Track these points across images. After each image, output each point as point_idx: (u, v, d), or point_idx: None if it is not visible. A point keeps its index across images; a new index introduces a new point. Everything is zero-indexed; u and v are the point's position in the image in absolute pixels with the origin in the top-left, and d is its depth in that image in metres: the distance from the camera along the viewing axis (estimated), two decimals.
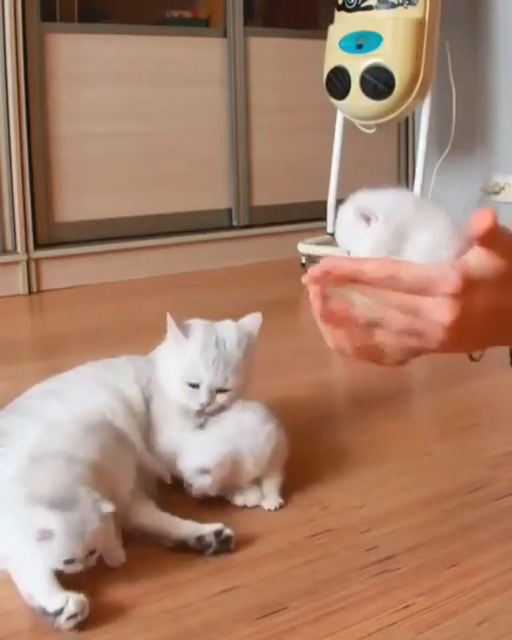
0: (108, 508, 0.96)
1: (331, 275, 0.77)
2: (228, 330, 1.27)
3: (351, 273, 0.75)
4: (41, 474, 1.00)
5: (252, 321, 1.28)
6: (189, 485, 1.17)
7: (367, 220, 0.84)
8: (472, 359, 0.95)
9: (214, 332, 1.25)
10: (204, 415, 1.23)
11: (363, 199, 0.88)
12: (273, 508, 1.18)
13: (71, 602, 0.90)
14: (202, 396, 1.21)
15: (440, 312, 0.73)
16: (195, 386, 1.22)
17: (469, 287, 0.73)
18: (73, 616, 0.89)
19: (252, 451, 1.19)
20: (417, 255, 0.82)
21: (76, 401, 1.20)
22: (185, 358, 1.23)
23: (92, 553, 0.94)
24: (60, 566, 0.93)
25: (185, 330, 1.24)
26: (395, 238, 0.83)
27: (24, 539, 0.94)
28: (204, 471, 1.15)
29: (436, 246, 0.83)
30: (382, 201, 0.86)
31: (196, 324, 1.27)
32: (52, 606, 0.90)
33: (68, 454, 1.04)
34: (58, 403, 1.20)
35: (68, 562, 0.93)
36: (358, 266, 0.75)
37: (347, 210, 0.88)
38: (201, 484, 1.16)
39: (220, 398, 1.23)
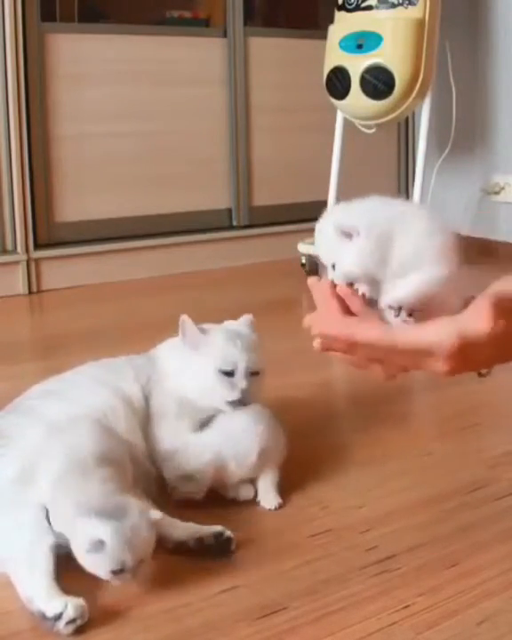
0: (156, 515, 0.97)
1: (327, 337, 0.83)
2: (237, 325, 1.29)
3: (346, 345, 0.83)
4: (88, 483, 1.00)
5: (246, 320, 1.30)
6: (173, 488, 1.18)
7: (348, 236, 0.84)
8: (481, 375, 0.97)
9: (226, 327, 1.27)
10: (240, 404, 1.22)
11: (341, 214, 0.88)
12: (272, 507, 1.18)
13: (70, 606, 0.90)
14: (240, 380, 1.21)
15: (439, 366, 0.80)
16: (229, 374, 1.21)
17: (465, 345, 0.78)
18: (72, 621, 0.89)
19: (236, 456, 1.19)
20: (402, 262, 0.84)
21: (76, 400, 1.20)
22: (213, 350, 1.23)
23: (141, 562, 0.94)
24: (110, 577, 0.93)
25: (201, 330, 1.25)
26: (378, 248, 0.84)
27: (75, 549, 0.94)
28: (188, 478, 1.17)
29: (419, 251, 0.85)
30: (361, 214, 0.87)
31: (206, 325, 1.28)
32: (51, 611, 0.90)
33: (110, 459, 1.04)
34: (58, 403, 1.20)
35: (118, 571, 0.93)
36: (352, 336, 0.81)
37: (326, 226, 0.88)
38: (186, 489, 1.17)
39: (255, 383, 1.23)
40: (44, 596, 0.91)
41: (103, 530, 0.92)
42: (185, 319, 1.24)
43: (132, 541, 0.93)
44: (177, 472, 1.18)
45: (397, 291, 0.84)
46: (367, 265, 0.84)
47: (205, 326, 1.27)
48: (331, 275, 0.86)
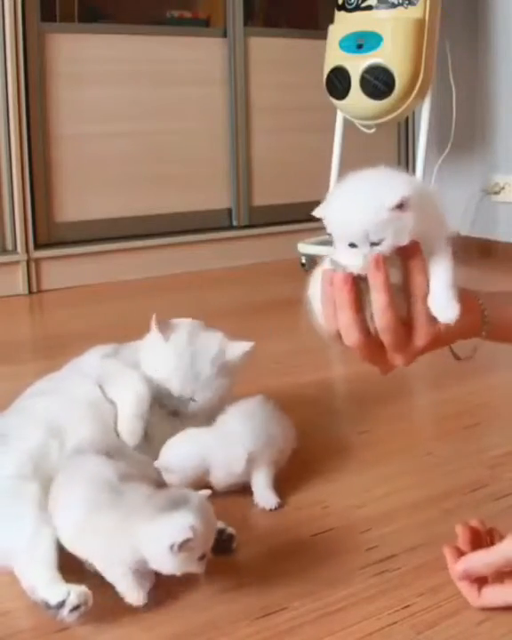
0: (206, 492, 0.98)
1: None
2: (210, 343, 1.28)
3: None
4: (125, 495, 0.98)
5: (238, 347, 1.29)
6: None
7: (402, 208, 0.83)
8: (458, 358, 0.98)
9: (194, 341, 1.27)
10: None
11: (383, 188, 0.87)
12: (270, 507, 1.18)
13: (73, 594, 0.89)
14: (172, 403, 1.25)
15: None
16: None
17: None
18: (75, 608, 0.89)
19: (223, 464, 1.19)
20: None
21: (68, 395, 1.22)
22: (161, 359, 1.26)
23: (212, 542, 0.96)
24: (197, 566, 0.93)
25: (167, 332, 1.27)
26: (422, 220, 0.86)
27: (154, 556, 0.92)
28: (167, 469, 1.17)
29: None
30: (403, 185, 0.86)
31: (180, 332, 1.28)
32: (54, 599, 0.90)
33: (127, 474, 1.04)
34: (51, 399, 1.21)
35: (202, 557, 0.93)
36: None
37: (366, 199, 0.85)
38: (167, 478, 1.18)
39: (192, 407, 1.26)
40: (47, 585, 0.91)
41: (187, 519, 0.90)
42: (153, 322, 1.28)
43: (210, 523, 0.94)
44: (159, 462, 1.19)
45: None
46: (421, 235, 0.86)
47: (177, 330, 1.28)
48: (363, 253, 0.83)
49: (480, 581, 0.92)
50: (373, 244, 0.83)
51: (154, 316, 1.29)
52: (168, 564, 0.92)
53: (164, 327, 1.28)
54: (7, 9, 2.51)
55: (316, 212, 0.87)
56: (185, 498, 0.94)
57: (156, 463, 1.18)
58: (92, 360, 1.30)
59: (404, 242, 0.84)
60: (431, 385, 1.82)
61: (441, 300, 0.85)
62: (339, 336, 0.88)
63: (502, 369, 1.84)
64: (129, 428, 1.19)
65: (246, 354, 1.28)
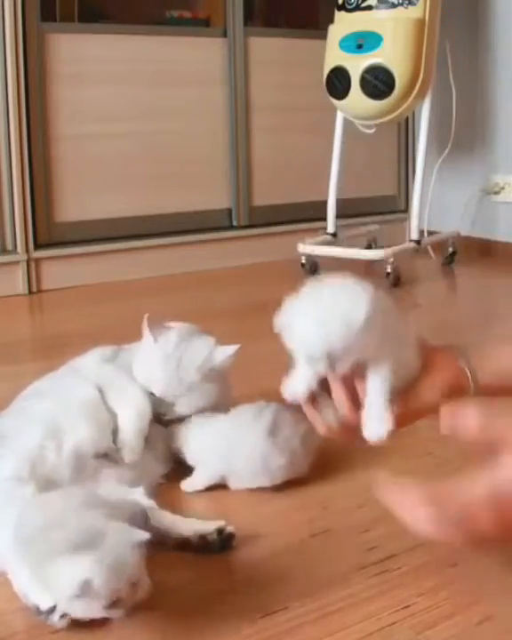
0: (140, 535, 0.88)
1: None
2: (198, 348, 1.27)
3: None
4: (59, 518, 0.90)
5: (221, 351, 1.28)
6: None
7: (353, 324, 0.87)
8: None
9: (183, 345, 1.27)
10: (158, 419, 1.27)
11: (346, 301, 0.89)
12: None
13: None
14: (157, 404, 1.25)
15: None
16: (152, 393, 1.26)
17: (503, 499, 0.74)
18: (64, 614, 0.89)
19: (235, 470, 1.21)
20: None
21: (65, 396, 1.22)
22: (149, 360, 1.27)
23: (134, 585, 0.85)
24: (107, 613, 0.85)
25: (157, 334, 1.27)
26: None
27: (60, 601, 0.85)
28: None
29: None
30: (362, 302, 0.89)
31: (170, 335, 1.28)
32: (44, 604, 0.90)
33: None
34: (48, 400, 1.21)
35: (115, 603, 0.84)
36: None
37: (322, 312, 0.88)
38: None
39: (177, 409, 1.26)
40: (38, 590, 0.91)
41: (84, 565, 0.82)
42: (144, 322, 1.28)
43: (121, 566, 0.84)
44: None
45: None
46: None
47: (169, 333, 1.28)
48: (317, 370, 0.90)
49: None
50: (333, 361, 0.86)
51: (145, 317, 1.29)
52: (71, 610, 0.86)
53: (156, 329, 1.28)
54: (7, 9, 2.51)
55: (276, 325, 0.89)
56: (100, 534, 0.86)
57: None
58: (91, 364, 1.30)
59: (362, 359, 0.87)
60: None
61: (374, 414, 0.89)
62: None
63: None
64: (130, 444, 1.19)
65: (230, 357, 1.26)
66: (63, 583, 0.83)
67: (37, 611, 0.90)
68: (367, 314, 0.84)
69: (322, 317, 0.85)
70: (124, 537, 0.86)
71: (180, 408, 1.26)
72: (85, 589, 0.81)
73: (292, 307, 0.89)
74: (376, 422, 0.89)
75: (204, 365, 1.25)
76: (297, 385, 0.93)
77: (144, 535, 0.87)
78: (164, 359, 1.25)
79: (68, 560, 0.84)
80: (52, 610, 0.89)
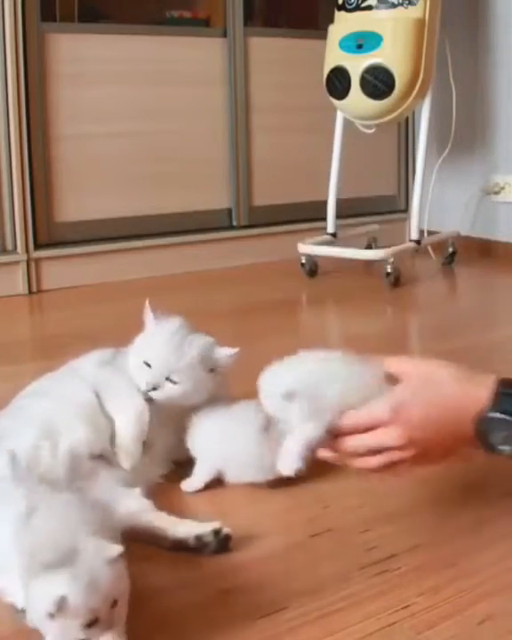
0: (115, 550, 0.83)
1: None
2: (200, 337, 1.27)
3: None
4: (34, 534, 0.86)
5: (225, 350, 1.27)
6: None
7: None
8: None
9: (186, 331, 1.27)
10: (150, 400, 1.23)
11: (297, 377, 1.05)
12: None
13: None
14: (151, 374, 1.23)
15: (391, 438, 0.97)
16: (148, 364, 1.23)
17: (399, 410, 0.97)
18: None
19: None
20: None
21: (63, 398, 1.21)
22: (149, 337, 1.27)
23: (114, 604, 0.82)
24: (86, 634, 0.80)
25: (160, 319, 1.28)
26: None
27: (38, 623, 0.81)
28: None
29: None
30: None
31: (174, 320, 1.29)
32: (20, 603, 0.88)
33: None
34: (46, 401, 1.21)
35: (92, 623, 0.80)
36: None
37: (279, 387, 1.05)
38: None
39: (169, 388, 1.23)
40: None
41: (59, 587, 0.78)
42: (146, 307, 1.31)
43: (97, 582, 0.80)
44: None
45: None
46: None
47: (172, 319, 1.29)
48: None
49: None
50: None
51: (147, 301, 1.30)
52: (46, 631, 0.81)
53: (159, 314, 1.29)
54: (7, 9, 2.51)
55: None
56: (74, 551, 0.82)
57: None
58: (89, 366, 1.29)
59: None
60: None
61: (289, 453, 1.00)
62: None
63: (502, 369, 1.83)
64: (128, 450, 1.18)
65: (229, 357, 1.26)
66: (39, 604, 0.80)
67: (15, 609, 0.89)
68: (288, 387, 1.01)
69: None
70: (99, 551, 0.83)
71: (171, 390, 1.23)
72: (61, 606, 0.77)
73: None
74: (289, 457, 1.00)
75: (205, 350, 1.25)
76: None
77: (118, 549, 0.83)
78: (167, 334, 1.25)
79: (43, 579, 0.81)
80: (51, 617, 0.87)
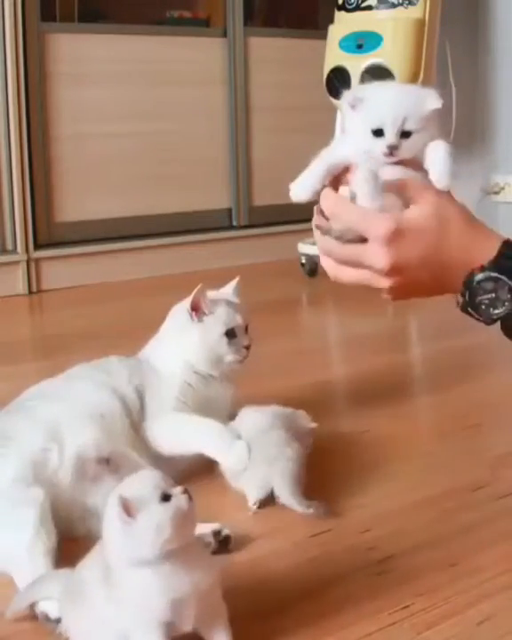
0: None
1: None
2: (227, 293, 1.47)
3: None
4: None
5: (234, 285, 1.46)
6: None
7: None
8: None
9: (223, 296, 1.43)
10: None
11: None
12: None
13: None
14: (242, 340, 1.32)
15: (377, 259, 0.88)
16: (233, 336, 1.31)
17: (400, 234, 0.87)
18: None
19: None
20: None
21: (75, 401, 1.20)
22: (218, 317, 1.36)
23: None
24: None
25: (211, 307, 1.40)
26: None
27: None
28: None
29: None
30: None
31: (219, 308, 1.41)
32: (54, 612, 0.89)
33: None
34: (58, 404, 1.20)
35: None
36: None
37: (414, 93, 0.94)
38: None
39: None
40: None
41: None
42: (202, 287, 1.39)
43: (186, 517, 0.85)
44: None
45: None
46: None
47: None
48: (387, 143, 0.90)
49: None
50: (402, 135, 0.88)
51: (200, 286, 1.40)
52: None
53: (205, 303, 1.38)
54: (7, 9, 2.51)
55: (354, 92, 0.93)
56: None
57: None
58: (122, 381, 1.28)
59: (422, 147, 0.91)
60: (431, 385, 1.82)
61: (439, 168, 0.94)
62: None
63: (502, 369, 1.84)
64: (238, 453, 1.21)
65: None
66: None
67: (46, 619, 0.89)
68: (439, 103, 0.89)
69: (406, 89, 0.95)
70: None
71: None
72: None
73: (369, 86, 0.95)
74: (442, 171, 0.95)
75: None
76: (306, 182, 0.99)
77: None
78: (217, 335, 1.32)
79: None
80: (59, 620, 0.88)
